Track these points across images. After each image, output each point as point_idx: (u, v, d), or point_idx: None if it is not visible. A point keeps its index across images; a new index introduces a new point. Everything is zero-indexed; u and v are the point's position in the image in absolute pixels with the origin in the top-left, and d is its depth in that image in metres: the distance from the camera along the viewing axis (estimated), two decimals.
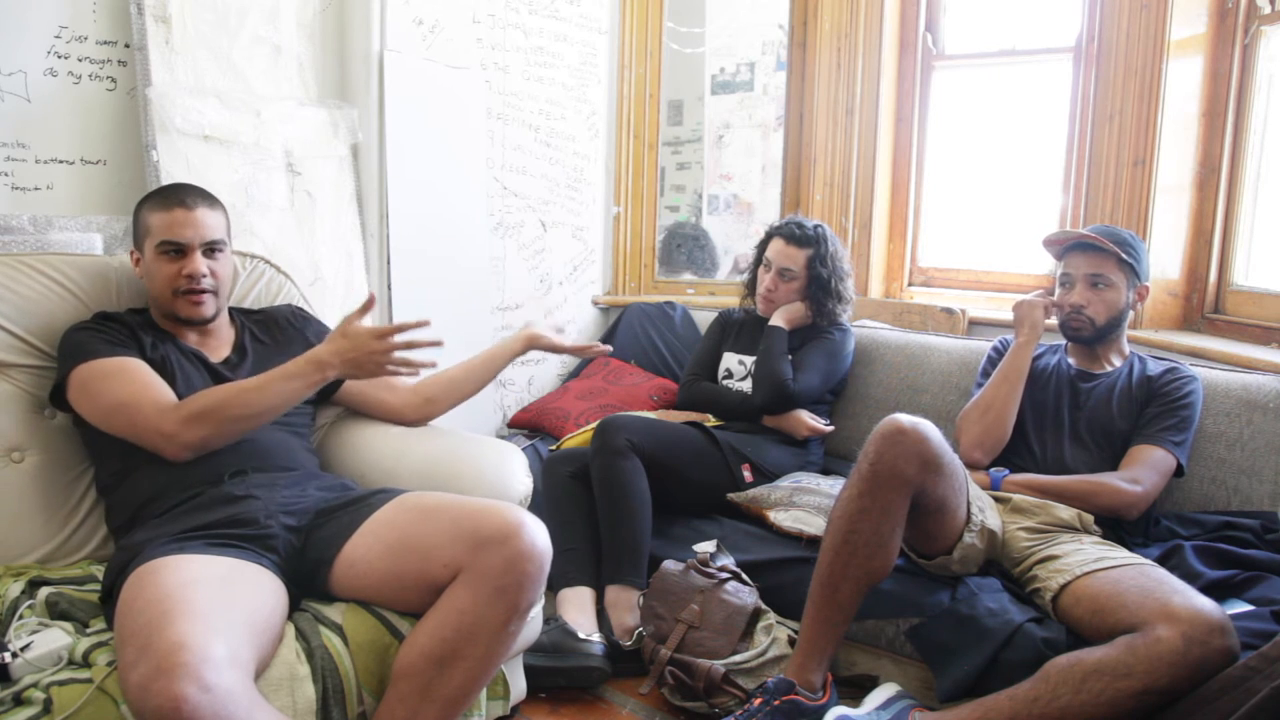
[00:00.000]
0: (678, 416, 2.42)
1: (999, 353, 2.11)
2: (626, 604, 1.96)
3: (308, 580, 1.42)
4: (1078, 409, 1.95)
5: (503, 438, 2.72)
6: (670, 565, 1.94)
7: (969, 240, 2.95)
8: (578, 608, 1.94)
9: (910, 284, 3.00)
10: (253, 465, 1.53)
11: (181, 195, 1.61)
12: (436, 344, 1.52)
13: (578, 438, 2.39)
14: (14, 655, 1.21)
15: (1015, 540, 1.77)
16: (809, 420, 2.30)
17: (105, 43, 2.07)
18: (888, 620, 1.79)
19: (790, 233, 2.37)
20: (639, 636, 1.89)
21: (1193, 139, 2.40)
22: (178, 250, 1.58)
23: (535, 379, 3.11)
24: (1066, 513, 1.77)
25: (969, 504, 1.71)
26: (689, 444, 2.17)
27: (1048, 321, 2.03)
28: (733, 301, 2.69)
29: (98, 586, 1.44)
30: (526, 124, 2.95)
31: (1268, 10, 2.27)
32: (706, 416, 2.41)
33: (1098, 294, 1.93)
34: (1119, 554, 1.63)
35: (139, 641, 1.08)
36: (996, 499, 1.84)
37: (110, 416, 1.48)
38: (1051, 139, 2.69)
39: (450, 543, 1.35)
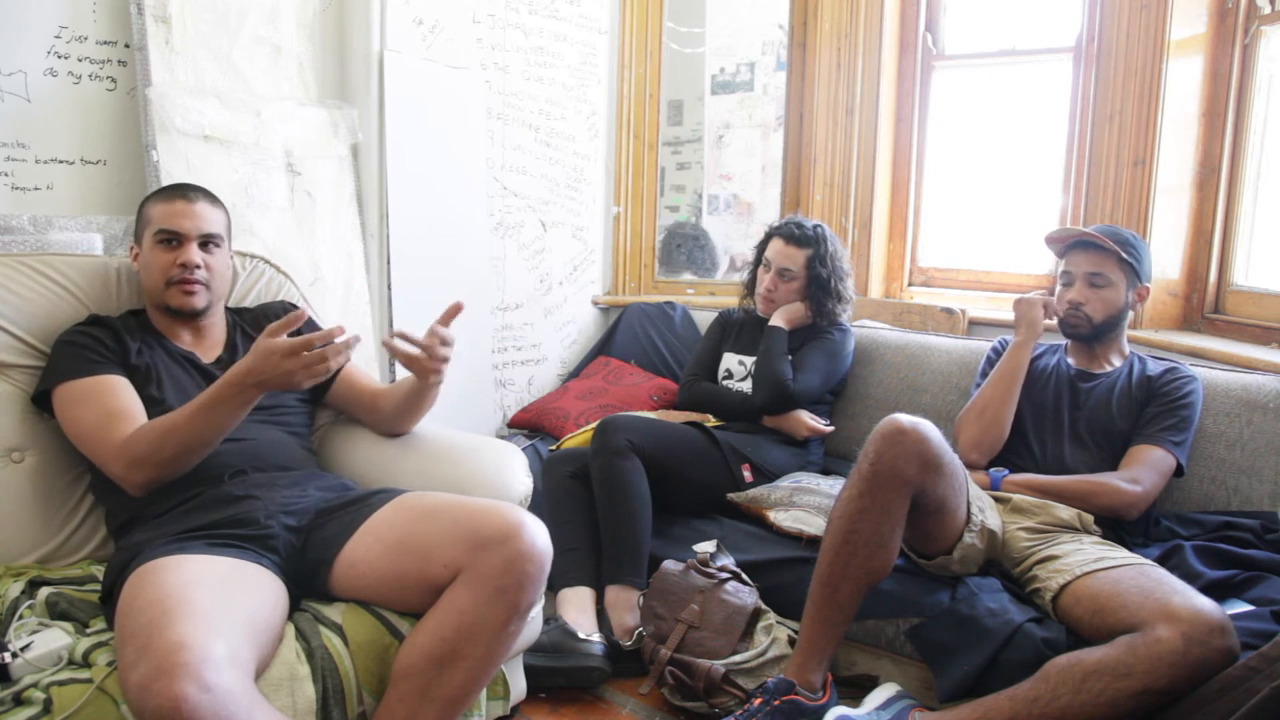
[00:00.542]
0: (678, 416, 2.42)
1: (998, 353, 2.11)
2: (626, 604, 1.96)
3: (308, 580, 1.42)
4: (1078, 409, 1.95)
5: (503, 438, 2.72)
6: (670, 565, 1.94)
7: (969, 240, 2.95)
8: (578, 608, 1.94)
9: (910, 284, 3.00)
10: (252, 465, 1.53)
11: (184, 189, 1.64)
12: (353, 341, 1.44)
13: (578, 438, 2.39)
14: (14, 655, 1.21)
15: (1015, 540, 1.77)
16: (809, 420, 2.30)
17: (105, 43, 2.08)
18: (888, 620, 1.79)
19: (790, 233, 2.37)
20: (639, 636, 1.89)
21: (1193, 139, 2.40)
22: (174, 240, 1.59)
23: (535, 379, 3.11)
24: (1066, 513, 1.77)
25: (969, 504, 1.71)
26: (689, 444, 2.17)
27: (1046, 321, 2.03)
28: (733, 301, 2.69)
29: (98, 586, 1.44)
30: (526, 124, 2.95)
31: (1268, 10, 2.27)
32: (706, 416, 2.41)
33: (1096, 292, 1.94)
34: (1119, 554, 1.63)
35: (139, 641, 1.08)
36: (996, 499, 1.84)
37: (78, 443, 1.50)
38: (1051, 139, 2.69)
39: (450, 543, 1.35)
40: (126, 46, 2.09)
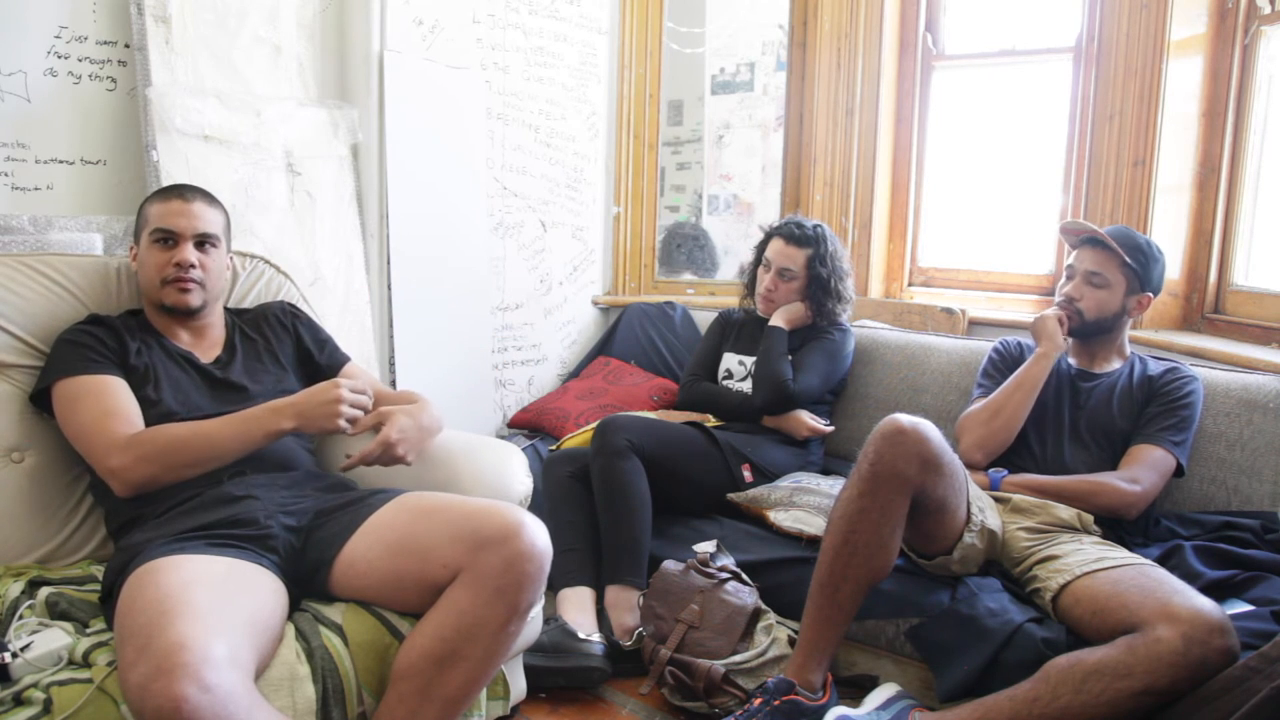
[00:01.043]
0: (678, 416, 2.42)
1: (1000, 354, 2.11)
2: (626, 604, 1.96)
3: (308, 580, 1.42)
4: (1078, 409, 1.95)
5: (503, 438, 2.72)
6: (670, 565, 1.93)
7: (969, 240, 2.95)
8: (578, 608, 1.94)
9: (910, 284, 3.00)
10: (252, 465, 1.53)
11: (181, 189, 1.65)
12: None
13: (578, 438, 2.39)
14: (14, 655, 1.20)
15: (1015, 540, 1.77)
16: (809, 420, 2.30)
17: (105, 43, 2.08)
18: (888, 620, 1.79)
19: (790, 233, 2.37)
20: (639, 636, 1.89)
21: (1193, 139, 2.40)
22: (170, 239, 1.60)
23: (535, 379, 3.11)
24: (1066, 513, 1.77)
25: (969, 504, 1.71)
26: (689, 444, 2.17)
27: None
28: (732, 301, 2.69)
29: (98, 586, 1.44)
30: (526, 124, 2.95)
31: (1268, 10, 2.27)
32: (706, 417, 2.41)
33: (1093, 291, 1.94)
34: (1119, 554, 1.63)
35: (139, 641, 1.08)
36: (996, 499, 1.84)
37: (73, 441, 1.50)
38: (1051, 139, 2.69)
39: (450, 543, 1.35)
40: (126, 46, 2.09)
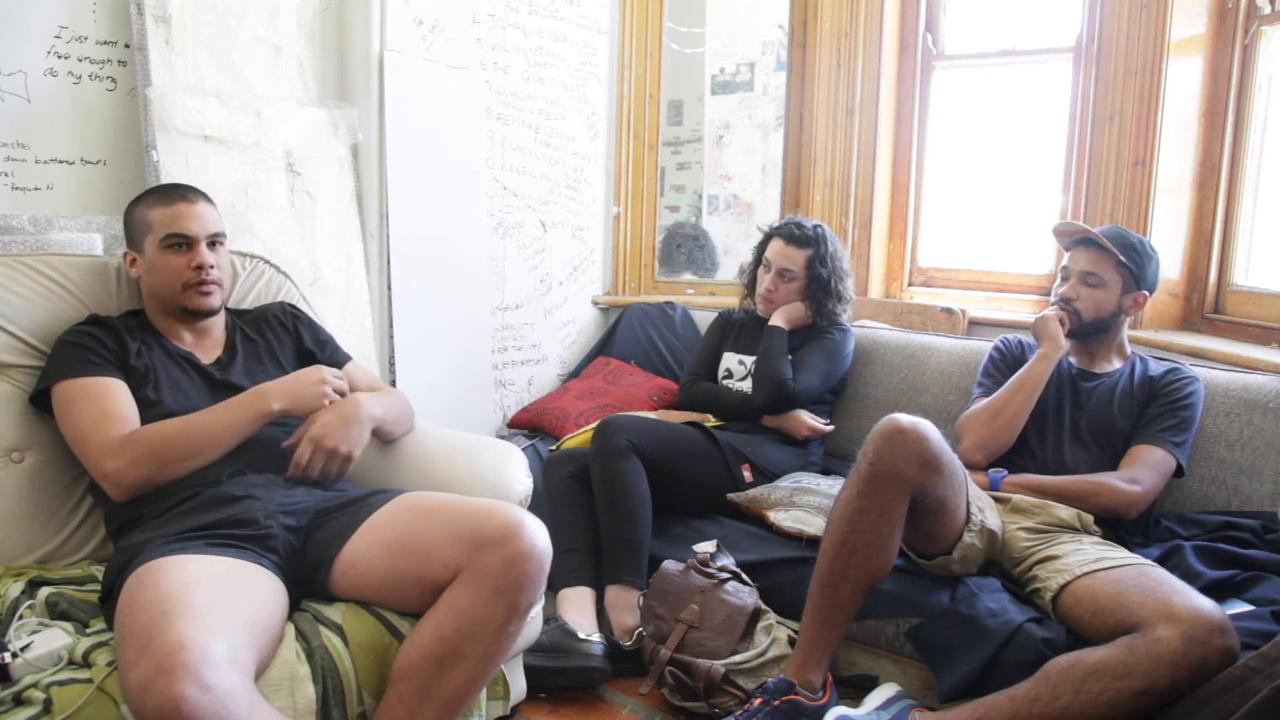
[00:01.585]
0: (678, 416, 2.42)
1: (1000, 353, 2.11)
2: (626, 604, 1.96)
3: (308, 580, 1.42)
4: (1079, 408, 1.95)
5: (503, 438, 2.72)
6: (670, 565, 1.94)
7: (969, 240, 2.95)
8: (578, 608, 1.94)
9: (910, 284, 3.00)
10: (251, 465, 1.53)
11: (181, 190, 1.64)
12: None
13: (578, 438, 2.39)
14: (14, 655, 1.20)
15: (1015, 540, 1.77)
16: (809, 420, 2.30)
17: (105, 43, 2.08)
18: (888, 620, 1.79)
19: (790, 233, 2.37)
20: (639, 636, 1.89)
21: (1193, 139, 2.40)
22: (184, 243, 1.59)
23: (535, 379, 3.11)
24: (1066, 513, 1.77)
25: (969, 504, 1.71)
26: (689, 444, 2.17)
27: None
28: (733, 302, 2.69)
29: (98, 586, 1.44)
30: (526, 124, 2.95)
31: (1268, 10, 2.27)
32: (706, 416, 2.41)
33: (1089, 291, 1.94)
34: (1119, 554, 1.63)
35: (139, 641, 1.08)
36: (996, 499, 1.84)
37: (70, 444, 1.50)
38: (1051, 139, 2.69)
39: (450, 543, 1.35)
40: (126, 46, 2.09)
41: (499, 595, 1.32)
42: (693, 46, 3.50)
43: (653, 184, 3.38)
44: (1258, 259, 2.39)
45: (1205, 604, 1.38)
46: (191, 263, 1.59)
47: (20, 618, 1.32)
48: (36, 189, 2.01)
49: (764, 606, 1.86)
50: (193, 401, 1.57)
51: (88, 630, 1.34)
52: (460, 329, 2.81)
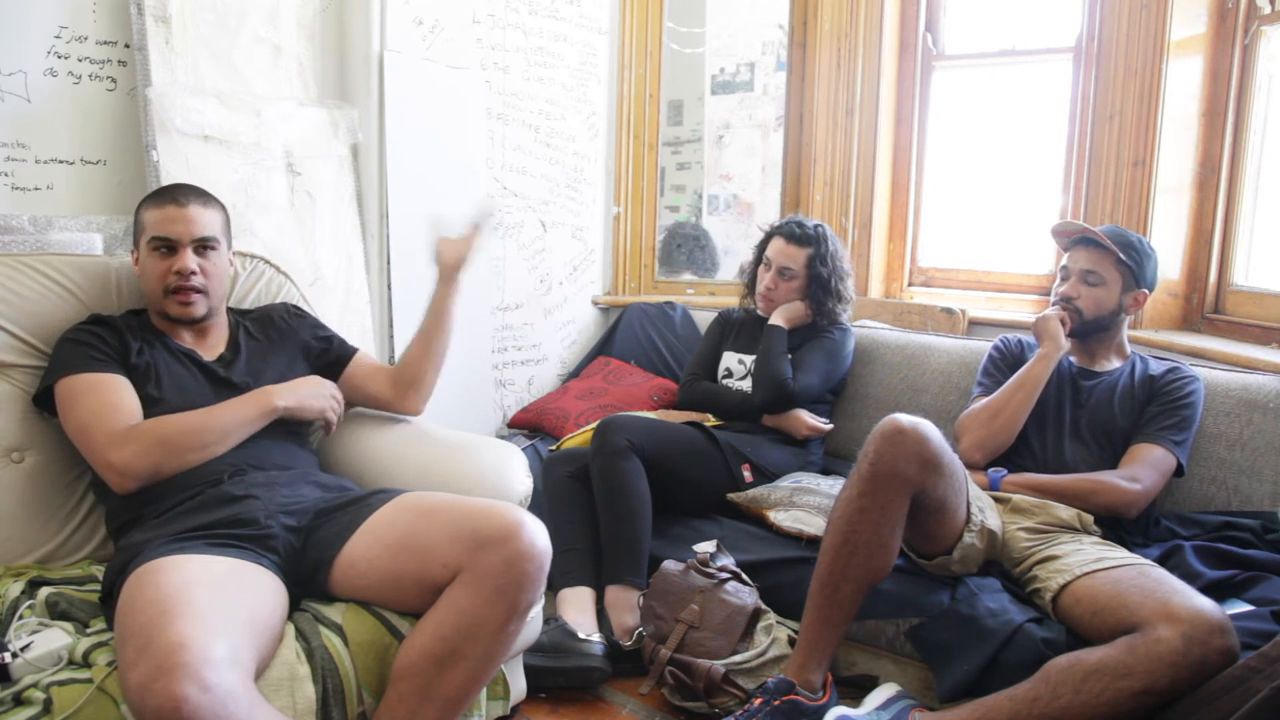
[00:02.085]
0: (678, 416, 2.42)
1: (1000, 352, 2.11)
2: (626, 604, 1.96)
3: (308, 580, 1.42)
4: (1079, 407, 1.95)
5: (503, 438, 2.72)
6: (670, 565, 1.93)
7: (969, 240, 2.95)
8: (578, 608, 1.94)
9: (910, 284, 3.00)
10: (252, 465, 1.53)
11: (175, 193, 1.62)
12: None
13: (578, 438, 2.39)
14: (14, 655, 1.21)
15: (1015, 540, 1.77)
16: (809, 420, 2.30)
17: (105, 43, 2.08)
18: (888, 620, 1.79)
19: (790, 232, 2.37)
20: (639, 636, 1.89)
21: (1193, 139, 2.40)
22: (168, 246, 1.59)
23: (535, 379, 3.11)
24: (1066, 513, 1.77)
25: (969, 504, 1.71)
26: (689, 444, 2.17)
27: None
28: (733, 301, 2.69)
29: (98, 586, 1.44)
30: (526, 124, 2.95)
31: (1268, 10, 2.27)
32: (706, 416, 2.41)
33: (1089, 289, 1.94)
34: (1119, 554, 1.63)
35: (139, 641, 1.08)
36: (996, 499, 1.84)
37: (73, 438, 1.50)
38: (1051, 139, 2.69)
39: (450, 542, 1.35)
40: (126, 46, 2.09)
41: (499, 595, 1.32)
42: (693, 46, 3.50)
43: (653, 184, 3.38)
44: (1258, 259, 2.39)
45: (1205, 604, 1.38)
46: (173, 267, 1.58)
47: (20, 618, 1.32)
48: (36, 189, 2.01)
49: (764, 606, 1.86)
50: (195, 398, 1.57)
51: (88, 630, 1.34)
52: (460, 329, 2.80)
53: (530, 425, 2.84)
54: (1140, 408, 1.90)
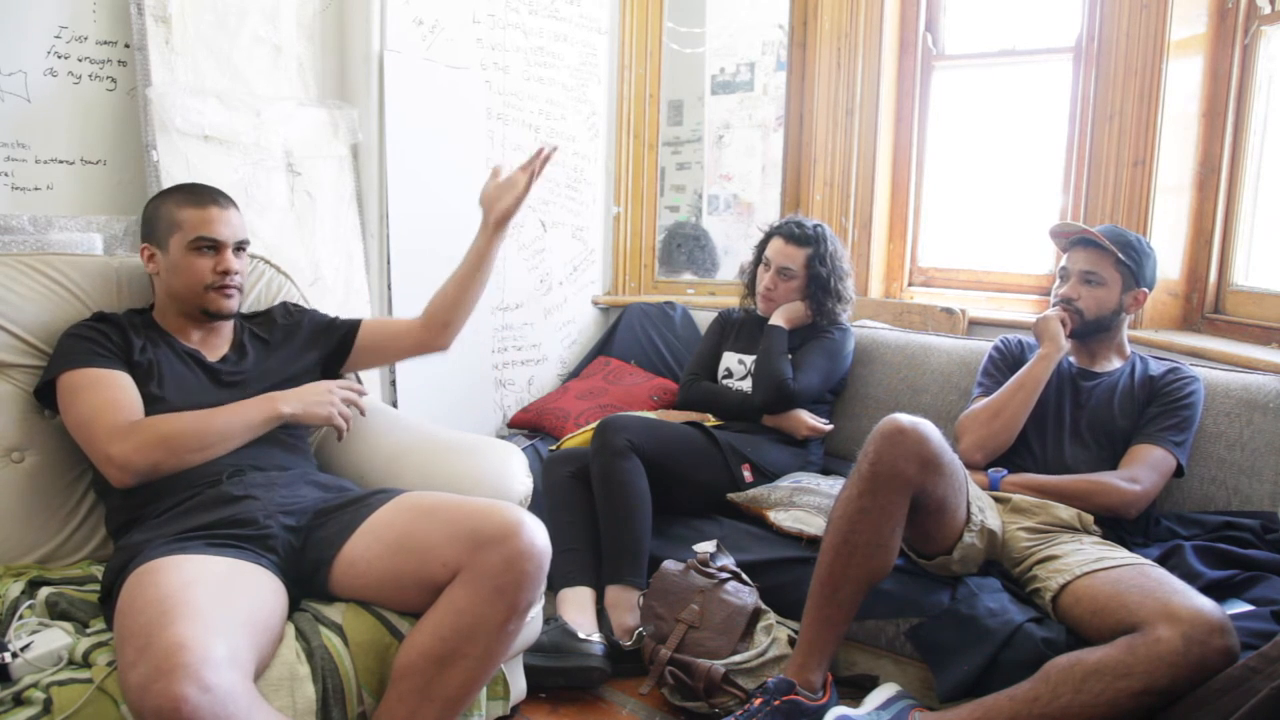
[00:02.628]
0: (678, 416, 2.42)
1: (1001, 352, 2.11)
2: (627, 604, 1.96)
3: (307, 580, 1.42)
4: (1079, 408, 1.95)
5: (503, 438, 2.72)
6: (670, 565, 1.94)
7: (969, 240, 2.95)
8: (578, 608, 1.94)
9: (910, 284, 3.00)
10: (251, 465, 1.54)
11: (214, 195, 1.65)
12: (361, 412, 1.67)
13: (578, 438, 2.39)
14: (14, 655, 1.21)
15: (1015, 540, 1.77)
16: (809, 420, 2.30)
17: (105, 43, 2.07)
18: (888, 620, 1.79)
19: (790, 232, 2.37)
20: (639, 636, 1.89)
21: (1193, 139, 2.40)
22: (213, 247, 1.61)
23: (535, 379, 3.11)
24: (1066, 513, 1.77)
25: (969, 504, 1.71)
26: (689, 444, 2.17)
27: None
28: (733, 301, 2.69)
29: (98, 586, 1.44)
30: (527, 124, 2.95)
31: (1268, 10, 2.27)
32: (706, 416, 2.41)
33: (1089, 290, 1.94)
34: (1119, 554, 1.63)
35: (139, 642, 1.08)
36: (996, 499, 1.84)
37: (74, 431, 1.49)
38: (1051, 139, 2.69)
39: (449, 542, 1.35)
40: (126, 46, 2.09)
41: (498, 594, 1.32)
42: (693, 46, 3.49)
43: (653, 184, 3.38)
44: (1258, 259, 2.39)
45: (1205, 604, 1.38)
46: (218, 267, 1.61)
47: (20, 618, 1.32)
48: (36, 189, 2.01)
49: (764, 606, 1.86)
50: (198, 398, 1.57)
51: (88, 630, 1.34)
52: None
53: (530, 425, 2.84)
54: (1140, 408, 1.90)
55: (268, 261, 1.95)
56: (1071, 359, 2.03)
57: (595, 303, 3.32)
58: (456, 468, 1.68)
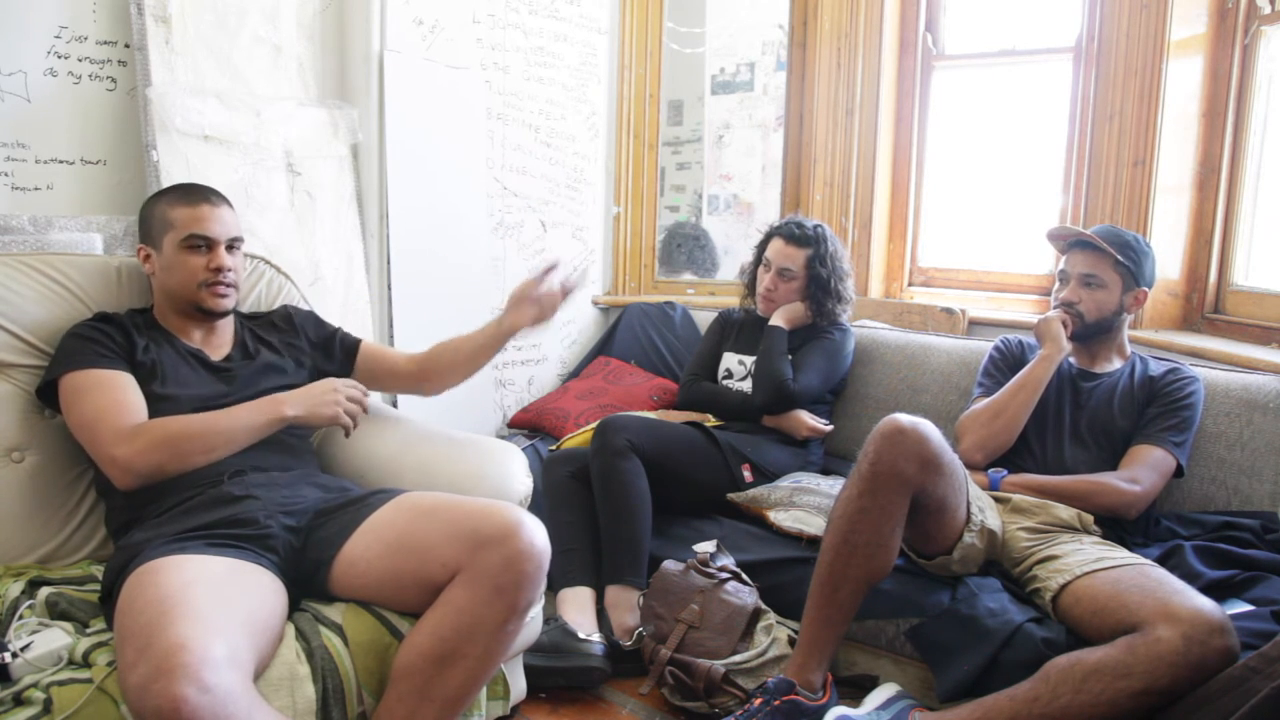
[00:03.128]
0: (678, 416, 2.42)
1: (1001, 353, 2.11)
2: (626, 604, 1.96)
3: (307, 580, 1.42)
4: (1079, 408, 1.95)
5: (503, 438, 2.72)
6: (670, 565, 1.94)
7: (969, 240, 2.95)
8: (578, 608, 1.94)
9: (910, 284, 3.00)
10: (252, 465, 1.54)
11: (205, 193, 1.65)
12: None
13: (578, 438, 2.39)
14: (14, 655, 1.21)
15: (1015, 540, 1.77)
16: (809, 420, 2.30)
17: (105, 43, 2.08)
18: (888, 620, 1.79)
19: (790, 232, 2.37)
20: (639, 636, 1.89)
21: (1193, 139, 2.40)
22: (205, 244, 1.61)
23: (535, 379, 3.11)
24: (1066, 513, 1.77)
25: (969, 504, 1.71)
26: (689, 444, 2.17)
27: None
28: (733, 301, 2.69)
29: (98, 586, 1.44)
30: (526, 124, 2.95)
31: (1268, 10, 2.27)
32: (706, 416, 2.41)
33: (1089, 292, 1.94)
34: (1119, 554, 1.63)
35: (139, 642, 1.08)
36: (996, 499, 1.84)
37: (77, 432, 1.50)
38: (1051, 139, 2.69)
39: (449, 542, 1.35)
40: (126, 46, 2.09)
41: (498, 594, 1.32)
42: (693, 46, 3.49)
43: (653, 184, 3.38)
44: (1258, 259, 2.39)
45: (1205, 604, 1.38)
46: (210, 264, 1.61)
47: (20, 618, 1.32)
48: (36, 189, 2.01)
49: (764, 606, 1.86)
50: (201, 398, 1.58)
51: (88, 630, 1.34)
52: (460, 329, 2.80)
53: (530, 425, 2.84)
54: (1140, 409, 1.90)
55: (268, 262, 1.96)
56: (1072, 360, 2.03)
57: (595, 302, 3.32)
58: (456, 468, 1.69)
